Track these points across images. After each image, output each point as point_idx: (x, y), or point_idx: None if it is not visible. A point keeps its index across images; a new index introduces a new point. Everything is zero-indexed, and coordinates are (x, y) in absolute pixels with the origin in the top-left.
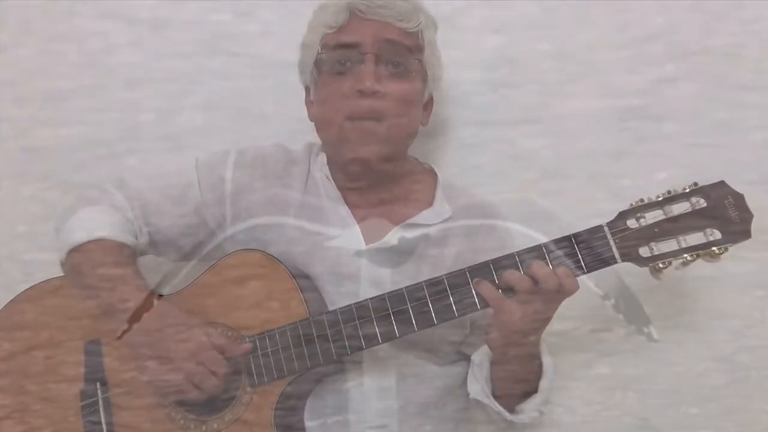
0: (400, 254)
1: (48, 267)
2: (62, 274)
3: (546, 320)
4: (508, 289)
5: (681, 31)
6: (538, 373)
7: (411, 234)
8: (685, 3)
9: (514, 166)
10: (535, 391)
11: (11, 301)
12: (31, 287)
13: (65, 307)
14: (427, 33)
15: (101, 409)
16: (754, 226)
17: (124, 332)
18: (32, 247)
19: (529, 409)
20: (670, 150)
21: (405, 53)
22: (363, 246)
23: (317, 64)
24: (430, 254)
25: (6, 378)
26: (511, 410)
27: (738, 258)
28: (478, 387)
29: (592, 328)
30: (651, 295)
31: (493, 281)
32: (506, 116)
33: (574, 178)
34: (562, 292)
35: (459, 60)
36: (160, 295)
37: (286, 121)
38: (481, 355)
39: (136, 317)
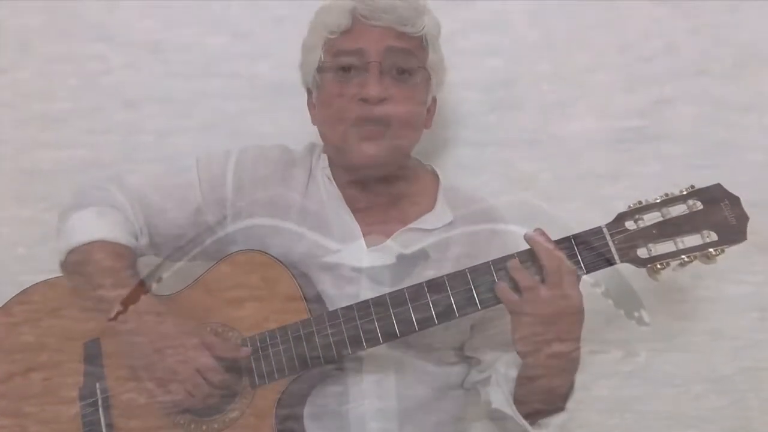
0: (400, 273)
1: (50, 288)
2: (55, 276)
3: (565, 316)
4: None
5: (679, 52)
6: (567, 392)
7: (410, 247)
8: (684, 25)
9: (512, 187)
10: (560, 409)
11: (4, 311)
12: (24, 292)
13: (63, 329)
14: (430, 36)
15: (101, 417)
16: (752, 247)
17: (118, 314)
18: (31, 269)
19: (553, 424)
20: (668, 171)
21: (409, 60)
22: (363, 263)
23: (320, 69)
24: (428, 275)
25: (4, 400)
26: (533, 424)
27: (736, 280)
28: (502, 397)
29: (589, 349)
30: (650, 316)
31: (494, 281)
32: (505, 137)
33: (573, 199)
34: (563, 268)
35: (458, 81)
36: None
37: (285, 141)
38: (507, 366)
39: (130, 300)
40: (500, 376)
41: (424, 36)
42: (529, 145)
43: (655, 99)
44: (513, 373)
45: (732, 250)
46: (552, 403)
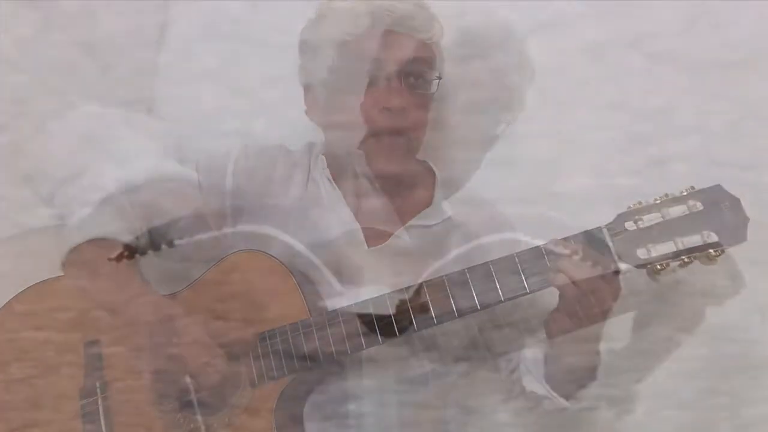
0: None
1: (45, 344)
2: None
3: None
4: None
5: (676, 110)
6: (594, 362)
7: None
8: (681, 82)
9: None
10: (593, 379)
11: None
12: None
13: (56, 386)
14: (440, 41)
15: (101, 416)
16: (748, 306)
17: (121, 255)
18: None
19: (588, 395)
20: None
21: (427, 69)
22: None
23: (333, 71)
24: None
25: None
26: (569, 399)
27: (730, 338)
28: (533, 380)
29: (580, 406)
30: (644, 374)
31: (493, 282)
32: (501, 195)
33: None
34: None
35: (454, 137)
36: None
37: None
38: (534, 351)
39: (129, 250)
40: (528, 362)
41: (436, 43)
42: (524, 203)
43: (651, 157)
44: (540, 355)
45: (729, 308)
46: (583, 374)
